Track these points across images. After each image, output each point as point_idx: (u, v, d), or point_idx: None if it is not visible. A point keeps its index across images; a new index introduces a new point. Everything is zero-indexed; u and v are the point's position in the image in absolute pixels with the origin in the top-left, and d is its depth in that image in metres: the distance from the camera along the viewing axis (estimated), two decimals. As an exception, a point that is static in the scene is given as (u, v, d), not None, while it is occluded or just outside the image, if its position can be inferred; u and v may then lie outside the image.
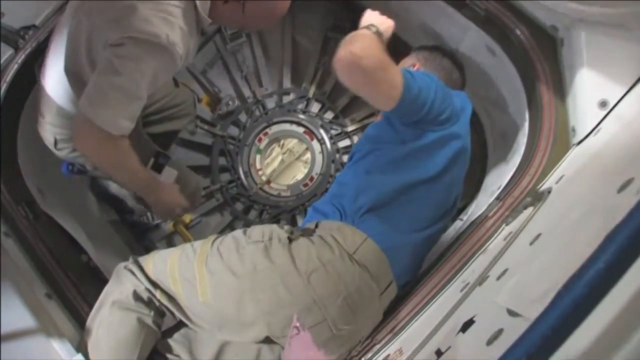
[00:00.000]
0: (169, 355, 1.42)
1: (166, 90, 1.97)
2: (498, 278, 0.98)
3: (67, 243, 1.85)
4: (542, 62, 1.52)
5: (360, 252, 1.32)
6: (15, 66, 1.85)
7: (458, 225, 1.97)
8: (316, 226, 1.42)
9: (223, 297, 1.29)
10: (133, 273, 1.39)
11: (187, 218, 2.46)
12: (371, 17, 1.40)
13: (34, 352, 1.28)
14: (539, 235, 0.99)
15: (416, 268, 1.51)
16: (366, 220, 1.40)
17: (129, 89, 1.33)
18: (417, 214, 1.45)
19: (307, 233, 1.37)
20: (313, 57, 2.61)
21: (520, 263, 0.94)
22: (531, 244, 0.99)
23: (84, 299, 1.62)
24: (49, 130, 1.63)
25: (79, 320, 1.54)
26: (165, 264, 1.38)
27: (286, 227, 1.41)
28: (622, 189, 0.81)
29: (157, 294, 1.36)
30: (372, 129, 1.61)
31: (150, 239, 2.48)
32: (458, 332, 0.89)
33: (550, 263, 0.80)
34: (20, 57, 1.85)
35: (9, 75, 1.84)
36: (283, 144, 2.72)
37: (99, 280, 1.82)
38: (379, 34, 1.33)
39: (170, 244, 2.51)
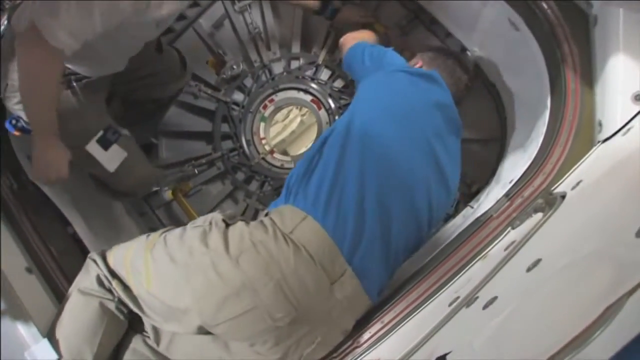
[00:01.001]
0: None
1: (147, 56, 1.87)
2: (485, 307, 0.85)
3: (52, 215, 1.78)
4: (570, 42, 1.33)
5: (298, 231, 1.22)
6: (2, 27, 1.74)
7: (469, 212, 1.84)
8: (266, 214, 1.34)
9: (163, 284, 1.26)
10: (96, 262, 1.38)
11: (187, 186, 2.38)
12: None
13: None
14: (538, 260, 0.85)
15: (387, 260, 1.33)
16: (303, 198, 1.31)
17: (81, 5, 1.28)
18: (357, 193, 1.30)
19: (252, 219, 1.32)
20: (325, 20, 2.40)
21: (512, 295, 0.81)
22: (528, 270, 0.85)
23: (64, 274, 1.57)
24: (2, 73, 1.59)
25: (58, 296, 1.50)
26: (122, 255, 1.36)
27: (228, 212, 1.36)
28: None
29: (114, 283, 1.33)
30: None
31: (149, 205, 2.42)
32: (429, 371, 0.78)
33: (541, 312, 0.66)
34: (6, 19, 1.73)
35: (-5, 38, 1.74)
36: (301, 107, 2.57)
37: (85, 254, 1.77)
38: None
39: (169, 211, 2.45)
